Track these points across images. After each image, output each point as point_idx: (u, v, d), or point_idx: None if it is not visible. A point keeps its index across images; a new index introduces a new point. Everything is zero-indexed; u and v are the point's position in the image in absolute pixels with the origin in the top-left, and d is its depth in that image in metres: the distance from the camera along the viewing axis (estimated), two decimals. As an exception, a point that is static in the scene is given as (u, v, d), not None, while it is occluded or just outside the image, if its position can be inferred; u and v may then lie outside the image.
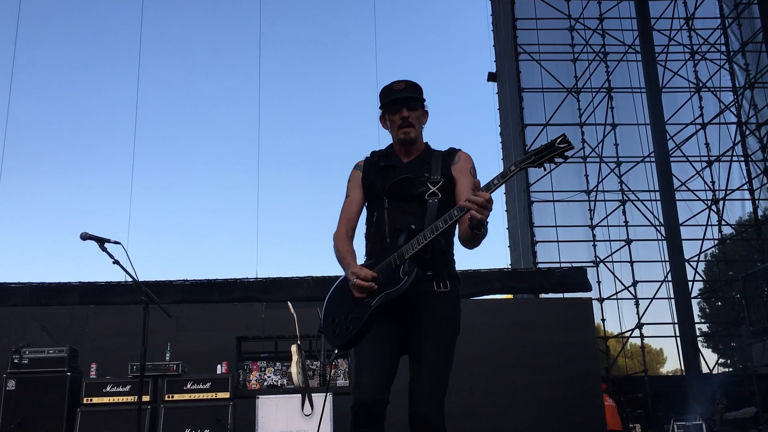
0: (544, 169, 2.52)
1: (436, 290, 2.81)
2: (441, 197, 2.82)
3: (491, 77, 19.56)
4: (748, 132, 16.66)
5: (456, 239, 2.92)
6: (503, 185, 2.58)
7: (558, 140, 2.43)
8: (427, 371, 2.72)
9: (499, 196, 18.70)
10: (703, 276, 17.64)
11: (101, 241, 4.65)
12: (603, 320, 16.60)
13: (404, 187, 2.89)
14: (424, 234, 2.68)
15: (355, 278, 2.74)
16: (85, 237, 4.60)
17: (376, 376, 2.70)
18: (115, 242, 4.69)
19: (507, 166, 2.53)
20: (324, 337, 2.90)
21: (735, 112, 16.87)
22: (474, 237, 2.69)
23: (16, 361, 6.68)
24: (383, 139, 3.07)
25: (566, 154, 2.45)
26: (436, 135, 3.15)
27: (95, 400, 6.62)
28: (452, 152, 2.99)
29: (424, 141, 3.07)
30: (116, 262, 4.63)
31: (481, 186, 2.58)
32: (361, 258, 2.97)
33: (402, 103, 2.93)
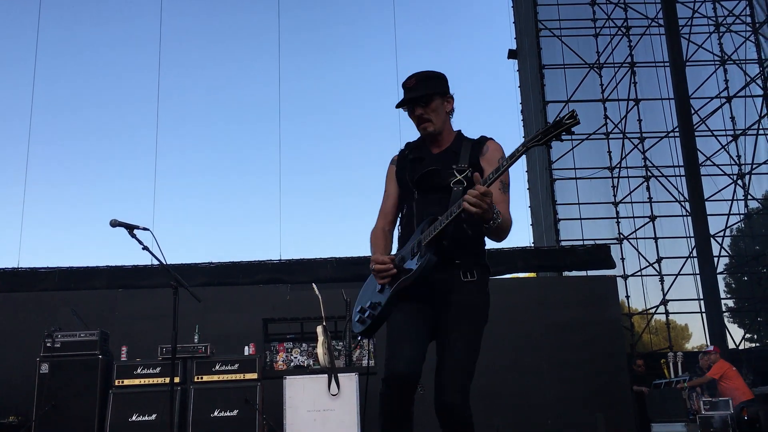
0: (568, 137, 2.45)
1: (463, 279, 2.81)
2: (467, 186, 2.77)
3: (511, 54, 19.36)
4: (774, 105, 16.38)
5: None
6: (518, 162, 2.54)
7: (566, 117, 2.41)
8: (453, 362, 2.72)
9: (520, 174, 18.62)
10: (729, 251, 17.46)
11: (131, 228, 4.73)
12: (627, 297, 16.52)
13: (431, 179, 2.88)
14: (440, 221, 2.68)
15: (373, 264, 2.79)
16: (114, 224, 4.68)
17: (413, 348, 2.70)
18: (144, 228, 4.77)
19: (516, 149, 2.50)
20: (351, 326, 2.95)
21: (761, 85, 16.59)
22: (488, 231, 2.70)
23: (48, 344, 6.81)
24: (405, 117, 3.10)
25: (572, 129, 2.41)
26: (456, 114, 3.11)
27: (126, 382, 6.75)
28: (482, 141, 2.96)
29: (456, 129, 3.04)
30: (146, 248, 4.70)
31: (482, 179, 2.56)
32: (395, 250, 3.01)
33: (412, 103, 2.92)
